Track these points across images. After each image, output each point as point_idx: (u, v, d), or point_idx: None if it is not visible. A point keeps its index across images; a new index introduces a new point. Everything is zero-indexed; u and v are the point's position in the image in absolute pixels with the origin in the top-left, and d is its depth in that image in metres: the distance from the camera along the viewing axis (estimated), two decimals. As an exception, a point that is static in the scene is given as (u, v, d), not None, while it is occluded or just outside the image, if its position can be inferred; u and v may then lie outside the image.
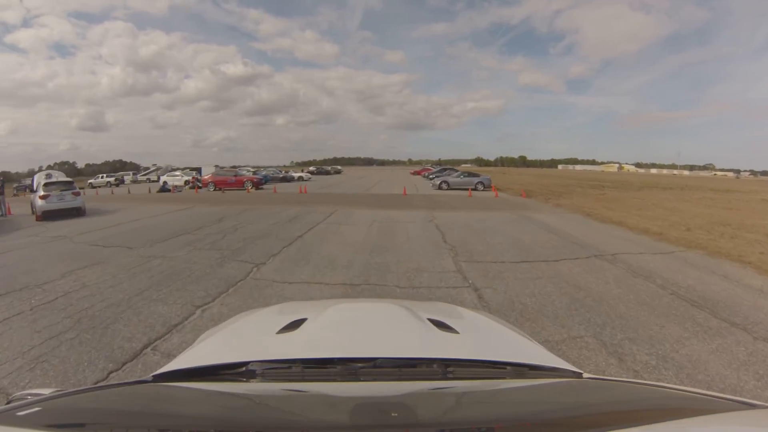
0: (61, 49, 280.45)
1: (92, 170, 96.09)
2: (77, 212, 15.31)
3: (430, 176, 37.63)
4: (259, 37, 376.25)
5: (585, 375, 1.08)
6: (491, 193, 22.33)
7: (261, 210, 15.01)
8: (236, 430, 0.76)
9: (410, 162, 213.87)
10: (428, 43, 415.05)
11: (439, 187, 25.01)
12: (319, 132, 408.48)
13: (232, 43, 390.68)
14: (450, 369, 1.00)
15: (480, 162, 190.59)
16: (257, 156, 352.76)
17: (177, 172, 37.51)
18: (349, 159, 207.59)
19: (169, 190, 27.95)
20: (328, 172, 65.45)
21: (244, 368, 1.00)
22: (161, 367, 1.09)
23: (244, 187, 26.64)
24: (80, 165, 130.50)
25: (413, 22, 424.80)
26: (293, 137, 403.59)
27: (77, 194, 15.62)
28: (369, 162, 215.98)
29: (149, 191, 28.37)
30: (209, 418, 0.85)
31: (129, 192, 29.51)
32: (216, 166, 62.95)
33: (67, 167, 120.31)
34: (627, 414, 0.86)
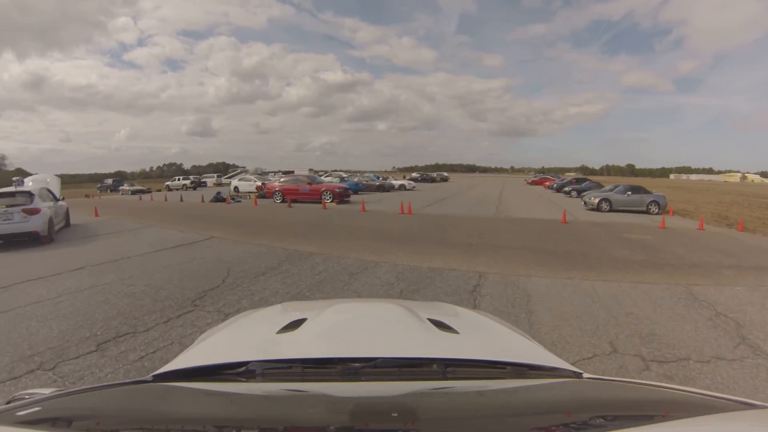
0: (172, 64, 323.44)
1: (197, 171, 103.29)
2: (32, 239, 10.04)
3: (567, 189, 29.79)
4: (357, 45, 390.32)
5: (585, 375, 1.10)
6: (690, 223, 14.80)
7: (314, 263, 7.57)
8: (236, 430, 0.77)
9: (512, 170, 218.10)
10: (526, 45, 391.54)
11: (598, 208, 18.51)
12: (421, 138, 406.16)
13: (331, 51, 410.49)
14: (450, 369, 1.02)
15: (585, 170, 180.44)
16: (359, 161, 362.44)
17: (251, 176, 33.06)
18: (451, 165, 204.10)
19: (223, 200, 22.68)
20: (433, 180, 58.76)
21: (244, 368, 1.01)
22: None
23: (321, 199, 19.99)
24: (187, 166, 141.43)
25: (510, 23, 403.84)
26: (394, 143, 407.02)
27: (33, 212, 10.24)
28: (471, 169, 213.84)
29: (202, 200, 23.55)
30: (209, 418, 0.86)
31: (181, 200, 25.05)
32: (310, 170, 59.17)
33: (174, 168, 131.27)
34: (627, 414, 0.88)
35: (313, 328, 1.27)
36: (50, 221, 10.61)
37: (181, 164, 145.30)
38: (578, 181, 33.26)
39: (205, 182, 44.41)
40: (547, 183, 43.95)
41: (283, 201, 20.38)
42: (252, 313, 1.82)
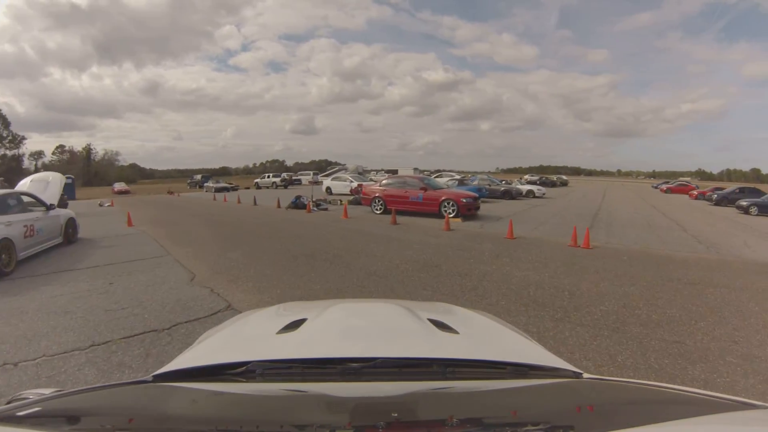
0: (274, 66, 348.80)
1: (299, 167, 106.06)
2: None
3: (744, 204, 21.51)
4: (457, 43, 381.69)
5: (585, 375, 1.10)
6: None
7: None
8: (236, 430, 0.77)
9: (619, 173, 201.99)
10: (633, 37, 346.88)
11: None
12: (524, 138, 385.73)
13: (431, 50, 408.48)
14: (450, 369, 1.02)
15: (702, 175, 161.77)
16: (461, 161, 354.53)
17: (347, 176, 28.51)
18: (555, 167, 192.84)
19: (304, 206, 17.54)
20: (553, 183, 50.98)
21: (244, 368, 1.01)
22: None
23: (439, 211, 13.98)
24: (289, 163, 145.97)
25: (614, 14, 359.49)
26: (497, 143, 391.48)
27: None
28: (576, 171, 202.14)
29: (278, 205, 19.04)
30: (209, 418, 0.86)
31: (254, 203, 21.29)
32: (415, 169, 53.25)
33: (276, 165, 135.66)
34: (627, 414, 0.88)
35: (313, 329, 1.27)
36: (5, 247, 6.33)
37: (283, 161, 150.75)
38: (743, 191, 26.71)
39: (299, 180, 41.45)
40: (695, 192, 34.22)
41: (384, 212, 14.86)
42: (252, 313, 1.80)
